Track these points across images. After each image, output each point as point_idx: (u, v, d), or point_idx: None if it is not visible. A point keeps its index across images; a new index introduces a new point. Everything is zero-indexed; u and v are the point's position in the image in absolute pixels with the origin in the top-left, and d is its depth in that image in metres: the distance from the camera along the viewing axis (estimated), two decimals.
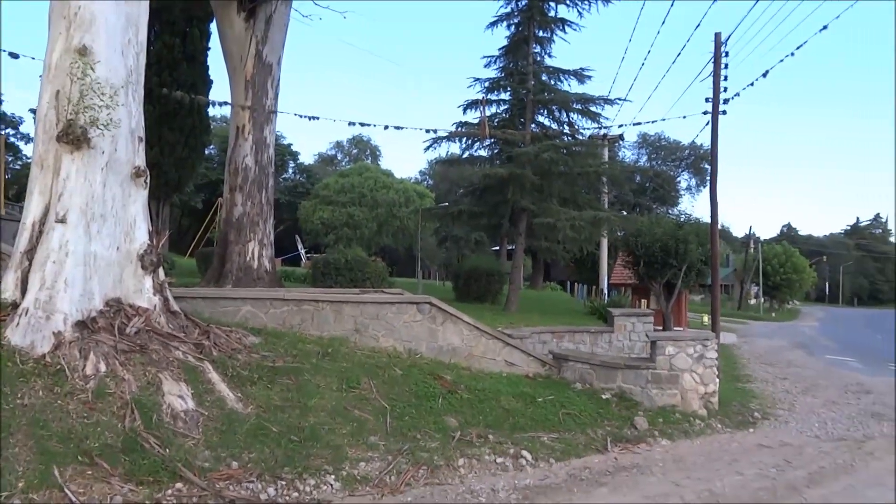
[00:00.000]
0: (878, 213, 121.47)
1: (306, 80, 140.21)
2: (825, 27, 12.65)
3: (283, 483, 5.89)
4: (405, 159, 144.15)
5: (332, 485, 6.06)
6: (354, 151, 74.76)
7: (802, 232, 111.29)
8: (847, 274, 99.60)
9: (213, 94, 25.46)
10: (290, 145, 58.65)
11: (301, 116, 16.11)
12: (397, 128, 16.83)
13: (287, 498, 5.75)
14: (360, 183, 46.97)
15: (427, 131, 18.42)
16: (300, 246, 46.53)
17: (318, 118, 16.14)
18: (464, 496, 6.20)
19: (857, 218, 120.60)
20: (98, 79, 7.01)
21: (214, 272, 15.87)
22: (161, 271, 8.03)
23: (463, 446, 7.43)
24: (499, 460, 7.30)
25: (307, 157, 77.48)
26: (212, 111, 35.10)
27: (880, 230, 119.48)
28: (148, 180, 7.90)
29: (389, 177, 50.40)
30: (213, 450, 6.06)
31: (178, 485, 5.43)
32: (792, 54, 13.84)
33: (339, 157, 76.16)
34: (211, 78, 26.35)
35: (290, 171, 60.95)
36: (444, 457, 7.02)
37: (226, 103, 16.43)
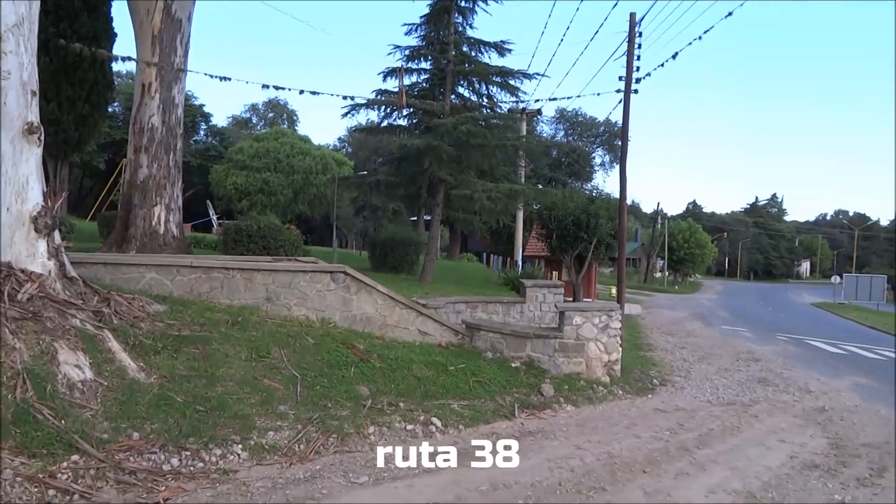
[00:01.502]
0: (775, 193, 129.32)
1: (220, 39, 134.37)
2: (730, 13, 13.26)
3: (188, 454, 5.76)
4: (323, 126, 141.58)
5: (238, 454, 5.98)
6: (270, 115, 72.45)
7: (706, 209, 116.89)
8: (744, 250, 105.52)
9: (118, 49, 23.91)
10: (202, 106, 56.27)
11: (212, 77, 15.46)
12: (313, 93, 16.42)
13: (192, 468, 5.63)
14: (275, 148, 45.61)
15: (344, 98, 18.05)
16: (212, 212, 44.99)
17: (229, 79, 15.49)
18: (373, 463, 6.25)
19: (756, 197, 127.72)
20: None
21: (117, 237, 15.14)
22: (56, 235, 7.61)
23: (374, 414, 7.48)
24: (409, 427, 7.39)
25: (220, 120, 74.75)
26: (116, 66, 33.11)
27: (776, 209, 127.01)
28: (42, 137, 7.41)
29: (307, 143, 49.16)
30: (113, 421, 5.86)
31: (75, 457, 5.22)
32: (699, 38, 14.27)
33: (255, 120, 73.62)
34: (115, 31, 24.79)
35: (202, 133, 58.51)
36: (355, 425, 7.05)
37: (130, 59, 15.55)
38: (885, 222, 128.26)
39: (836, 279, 57.82)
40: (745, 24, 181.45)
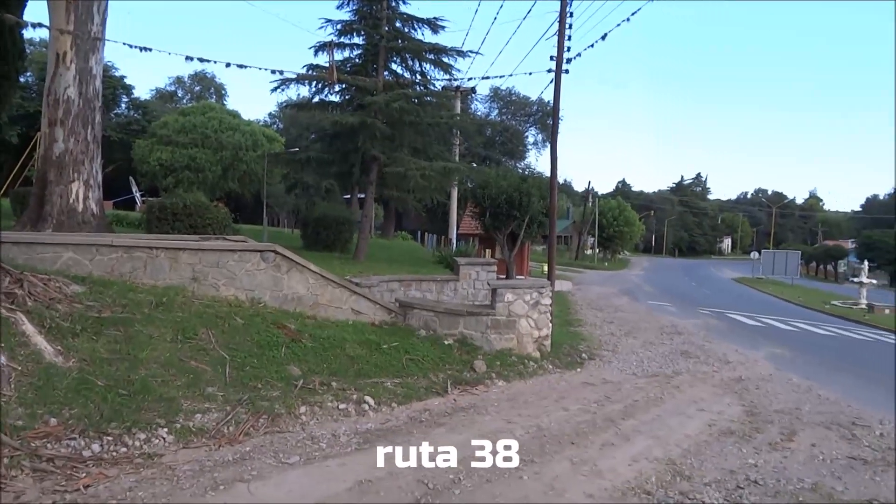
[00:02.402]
0: (699, 173, 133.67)
1: (142, 8, 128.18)
2: None
3: (110, 439, 5.57)
4: (253, 101, 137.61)
5: (164, 438, 5.82)
6: (197, 89, 69.85)
7: (635, 188, 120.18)
8: (670, 227, 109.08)
9: (29, 14, 22.55)
10: (122, 78, 53.62)
11: (132, 47, 14.67)
12: (240, 66, 15.90)
13: (114, 454, 5.45)
14: (203, 123, 43.99)
15: (273, 72, 17.53)
16: (135, 188, 43.21)
17: (150, 50, 14.80)
18: (304, 443, 6.21)
19: (682, 176, 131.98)
20: None
21: (32, 215, 14.37)
22: None
23: (305, 394, 7.41)
24: (341, 406, 7.37)
25: (143, 92, 71.41)
26: (28, 34, 31.21)
27: (700, 188, 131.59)
28: None
29: (236, 118, 47.60)
30: (28, 407, 5.59)
31: None
32: (627, 20, 14.58)
33: (180, 94, 70.83)
34: None
35: (123, 106, 55.90)
36: (286, 405, 6.97)
37: (42, 25, 14.64)
38: (800, 201, 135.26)
39: (754, 255, 60.65)
40: (674, 7, 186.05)
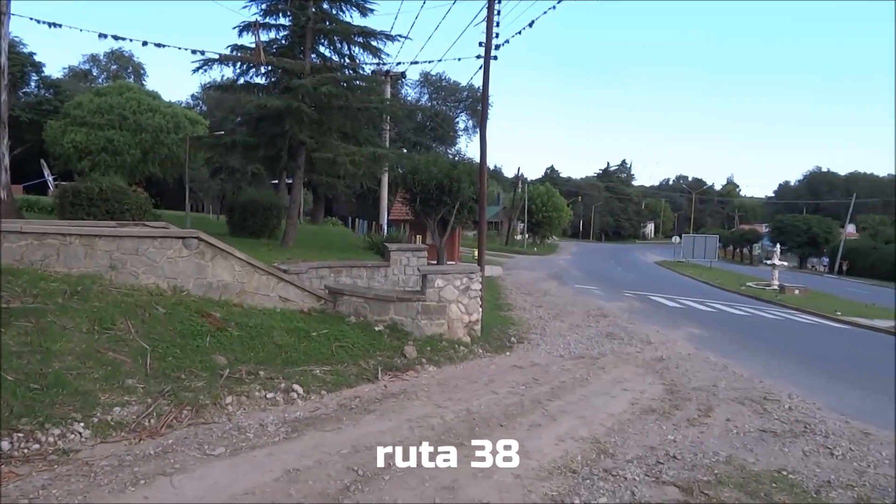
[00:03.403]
0: (625, 160, 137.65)
1: None
2: None
3: (21, 435, 5.30)
4: (175, 81, 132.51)
5: (80, 433, 5.58)
6: (114, 68, 66.58)
7: (563, 174, 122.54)
8: (597, 213, 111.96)
9: None
10: (32, 55, 50.48)
11: (40, 22, 13.87)
12: (158, 45, 15.30)
13: (25, 451, 5.20)
14: (120, 104, 41.90)
15: (194, 52, 16.92)
16: (47, 172, 41.03)
17: (60, 26, 14.03)
18: (230, 434, 6.08)
19: (608, 163, 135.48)
20: None
21: None
22: None
23: (232, 384, 7.25)
24: (269, 395, 7.24)
25: (55, 71, 67.80)
26: None
27: (625, 174, 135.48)
28: None
29: (156, 99, 45.61)
30: None
31: None
32: (553, 7, 14.82)
33: (95, 72, 67.39)
34: None
35: (33, 84, 52.74)
36: (211, 396, 6.79)
37: None
38: (718, 187, 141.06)
39: (676, 239, 62.97)
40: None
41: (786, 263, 39.12)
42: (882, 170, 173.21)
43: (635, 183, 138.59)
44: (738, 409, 8.12)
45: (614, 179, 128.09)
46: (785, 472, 5.90)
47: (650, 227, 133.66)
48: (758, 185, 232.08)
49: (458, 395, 7.99)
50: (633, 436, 6.75)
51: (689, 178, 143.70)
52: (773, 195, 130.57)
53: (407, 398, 7.77)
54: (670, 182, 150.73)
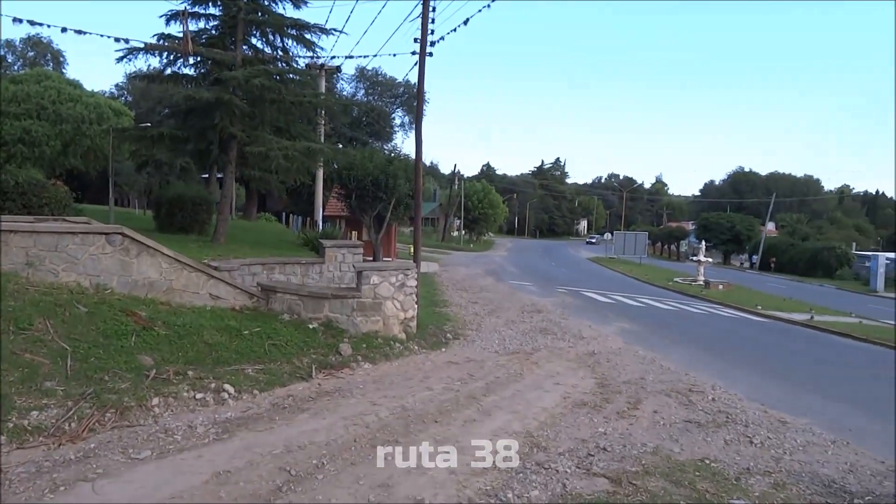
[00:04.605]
0: (559, 158, 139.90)
1: None
2: None
3: None
4: (97, 70, 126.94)
5: None
6: (31, 55, 63.34)
7: (499, 171, 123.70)
8: (532, 209, 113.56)
9: None
10: None
11: None
12: (79, 32, 14.62)
13: None
14: (38, 93, 39.73)
15: (118, 40, 16.22)
16: None
17: None
18: (157, 436, 5.88)
19: (542, 161, 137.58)
20: None
21: None
22: None
23: (158, 385, 7.02)
24: (198, 396, 7.05)
25: None
26: None
27: (559, 172, 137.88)
28: None
29: (77, 88, 43.56)
30: None
31: None
32: (488, 6, 14.93)
33: (10, 59, 63.87)
34: None
35: None
36: (136, 397, 6.56)
37: None
38: (648, 185, 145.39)
39: (607, 236, 64.54)
40: None
41: (710, 260, 40.65)
42: (799, 170, 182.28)
43: (569, 181, 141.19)
44: (665, 401, 8.40)
45: (549, 177, 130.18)
46: (708, 461, 6.14)
47: (583, 224, 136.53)
48: (685, 184, 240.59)
49: (393, 392, 7.97)
50: (565, 429, 6.89)
51: (621, 177, 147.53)
52: (699, 194, 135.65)
53: (342, 396, 7.70)
54: (603, 180, 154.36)
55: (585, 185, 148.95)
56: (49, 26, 14.62)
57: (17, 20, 13.59)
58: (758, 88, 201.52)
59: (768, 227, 69.06)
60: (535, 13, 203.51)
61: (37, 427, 5.66)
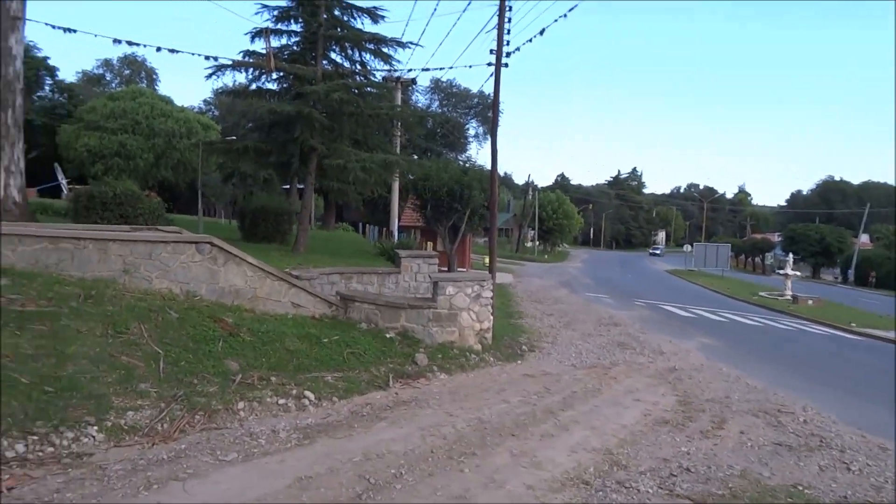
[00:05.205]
0: (635, 167, 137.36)
1: None
2: None
3: (35, 438, 5.32)
4: (187, 87, 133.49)
5: (94, 436, 5.60)
6: (127, 73, 67.12)
7: (574, 182, 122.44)
8: (608, 220, 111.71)
9: None
10: (46, 59, 51.02)
11: (55, 27, 13.99)
12: (172, 51, 15.37)
13: (40, 454, 5.22)
14: (133, 109, 42.24)
15: (207, 58, 17.00)
16: (60, 176, 41.26)
17: (75, 31, 14.16)
18: (242, 439, 6.08)
19: (619, 171, 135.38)
20: None
21: None
22: None
23: (244, 390, 7.25)
24: (281, 402, 7.24)
25: (69, 75, 68.27)
26: None
27: (636, 182, 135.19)
28: None
29: (169, 104, 45.99)
30: None
31: None
32: (564, 16, 14.85)
33: (109, 77, 67.93)
34: None
35: (47, 89, 53.22)
36: (223, 401, 6.80)
37: None
38: (729, 195, 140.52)
39: (687, 248, 62.64)
40: (609, 4, 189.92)
41: (798, 273, 38.83)
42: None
43: (646, 191, 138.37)
44: (752, 421, 8.05)
45: (625, 187, 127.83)
46: (801, 487, 5.84)
47: (661, 236, 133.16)
48: (770, 194, 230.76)
49: (469, 404, 7.96)
50: (646, 447, 6.70)
51: (701, 187, 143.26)
52: (785, 204, 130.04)
53: (418, 406, 7.75)
54: (682, 190, 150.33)
55: (663, 195, 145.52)
56: (145, 46, 15.74)
57: (116, 41, 14.49)
58: (849, 94, 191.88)
59: (862, 239, 65.37)
60: (611, 22, 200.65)
61: (132, 427, 5.94)
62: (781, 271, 34.81)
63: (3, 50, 13.67)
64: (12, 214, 13.49)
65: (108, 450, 5.52)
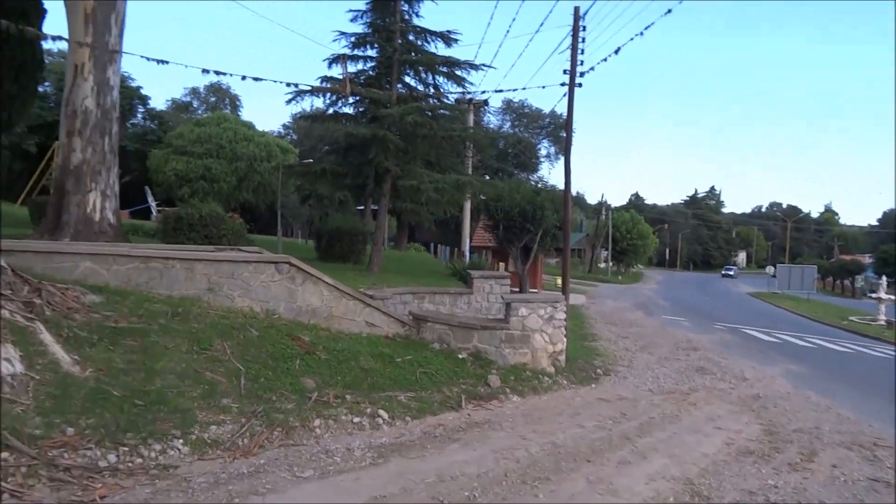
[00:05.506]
0: (713, 186, 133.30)
1: (159, 20, 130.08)
2: (669, 11, 13.64)
3: (126, 449, 5.57)
4: (267, 112, 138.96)
5: (179, 449, 5.82)
6: (212, 100, 70.50)
7: (648, 201, 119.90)
8: (684, 240, 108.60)
9: (48, 27, 22.82)
10: (139, 88, 54.17)
11: (149, 59, 14.83)
12: (256, 79, 15.97)
13: (130, 464, 5.45)
14: (218, 134, 44.35)
15: (288, 84, 17.67)
16: (150, 198, 43.58)
17: (167, 62, 14.98)
18: (318, 457, 6.18)
19: (696, 190, 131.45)
20: None
21: (49, 224, 14.48)
22: None
23: (320, 407, 7.39)
24: (356, 420, 7.34)
25: (159, 103, 72.36)
26: (47, 45, 31.55)
27: (714, 202, 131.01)
28: None
29: (250, 129, 48.02)
30: (46, 416, 5.61)
31: (4, 454, 4.96)
32: (641, 34, 14.57)
33: (195, 104, 71.51)
34: (45, 7, 23.60)
35: (139, 116, 56.43)
36: (300, 418, 6.95)
37: (61, 38, 14.83)
38: (815, 214, 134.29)
39: (770, 269, 60.15)
40: (685, 21, 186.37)
41: (892, 297, 36.61)
42: None
43: (725, 210, 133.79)
44: (845, 454, 7.59)
45: (702, 206, 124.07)
46: None
47: (742, 257, 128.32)
48: (860, 213, 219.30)
49: (542, 428, 7.85)
50: (730, 478, 6.41)
51: (784, 206, 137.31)
52: (876, 223, 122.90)
53: (491, 428, 7.69)
54: (763, 209, 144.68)
55: (743, 214, 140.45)
56: (231, 75, 16.48)
57: (205, 71, 15.22)
58: None
59: None
60: (686, 39, 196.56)
61: (215, 441, 6.14)
62: (874, 295, 32.95)
63: (101, 81, 14.57)
64: (107, 235, 14.28)
65: (193, 462, 5.72)
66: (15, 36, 20.26)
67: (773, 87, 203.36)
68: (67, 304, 7.57)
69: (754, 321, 26.96)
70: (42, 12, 23.13)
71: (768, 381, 12.29)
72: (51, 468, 5.04)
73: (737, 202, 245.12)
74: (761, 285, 57.09)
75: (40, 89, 30.12)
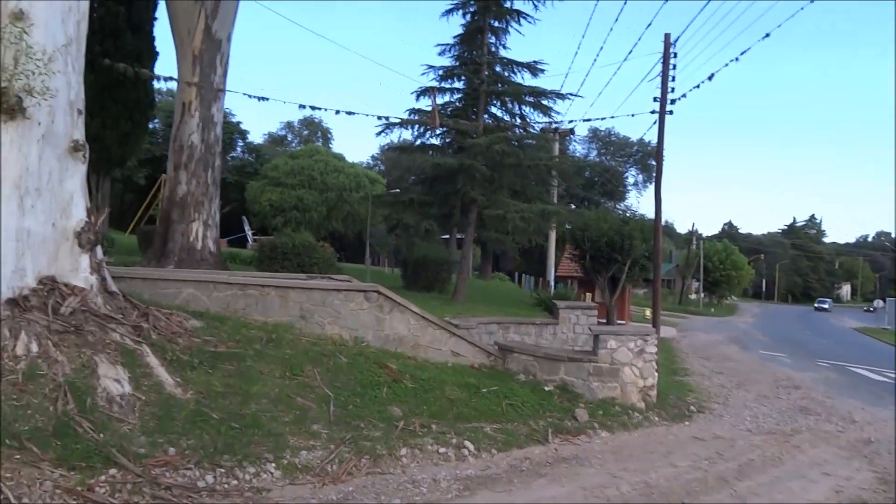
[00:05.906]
0: (813, 215, 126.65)
1: (258, 58, 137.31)
2: (767, 35, 13.22)
3: (222, 471, 5.78)
4: (357, 143, 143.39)
5: (272, 473, 5.98)
6: (305, 133, 73.54)
7: (743, 230, 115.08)
8: (782, 271, 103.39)
9: (160, 68, 24.60)
10: (239, 123, 57.30)
11: (250, 97, 15.74)
12: (349, 113, 16.58)
13: (226, 486, 5.65)
14: (310, 165, 46.15)
15: (379, 118, 18.23)
16: (247, 227, 45.63)
17: (267, 99, 15.82)
18: (405, 486, 6.20)
19: (794, 218, 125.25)
20: (33, 44, 6.64)
21: (156, 252, 15.45)
22: (99, 250, 7.74)
23: (406, 436, 7.43)
24: (441, 450, 7.32)
25: (256, 137, 75.95)
26: (157, 84, 33.97)
27: (814, 231, 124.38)
28: (87, 155, 7.57)
29: (341, 160, 49.72)
30: (150, 435, 5.91)
31: (112, 471, 5.26)
32: (736, 59, 14.06)
33: (290, 137, 74.79)
34: (157, 50, 25.45)
35: (239, 149, 59.54)
36: (387, 446, 7.00)
37: (172, 78, 15.94)
38: None
39: (878, 303, 56.28)
40: (782, 45, 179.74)
41: None
42: None
43: (826, 240, 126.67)
44: None
45: (801, 236, 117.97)
46: None
47: (846, 289, 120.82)
48: None
49: (633, 466, 7.58)
50: None
51: (893, 235, 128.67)
52: None
53: (579, 464, 7.50)
54: (869, 239, 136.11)
55: (847, 244, 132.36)
56: (325, 109, 17.11)
57: (301, 106, 15.96)
58: None
59: None
60: (776, 64, 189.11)
61: (305, 466, 6.27)
62: None
63: (206, 118, 15.51)
64: (208, 263, 15.06)
65: (284, 487, 5.86)
66: (130, 77, 21.94)
67: (878, 108, 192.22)
68: (172, 329, 7.98)
69: (862, 359, 25.18)
70: (154, 55, 24.98)
71: (881, 424, 11.41)
72: (154, 486, 5.28)
73: (840, 232, 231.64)
74: (868, 320, 53.43)
75: (150, 125, 32.29)
